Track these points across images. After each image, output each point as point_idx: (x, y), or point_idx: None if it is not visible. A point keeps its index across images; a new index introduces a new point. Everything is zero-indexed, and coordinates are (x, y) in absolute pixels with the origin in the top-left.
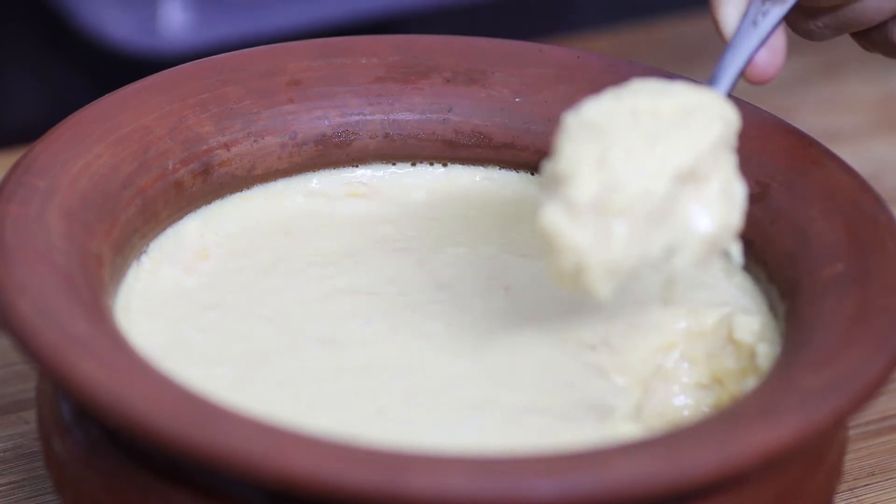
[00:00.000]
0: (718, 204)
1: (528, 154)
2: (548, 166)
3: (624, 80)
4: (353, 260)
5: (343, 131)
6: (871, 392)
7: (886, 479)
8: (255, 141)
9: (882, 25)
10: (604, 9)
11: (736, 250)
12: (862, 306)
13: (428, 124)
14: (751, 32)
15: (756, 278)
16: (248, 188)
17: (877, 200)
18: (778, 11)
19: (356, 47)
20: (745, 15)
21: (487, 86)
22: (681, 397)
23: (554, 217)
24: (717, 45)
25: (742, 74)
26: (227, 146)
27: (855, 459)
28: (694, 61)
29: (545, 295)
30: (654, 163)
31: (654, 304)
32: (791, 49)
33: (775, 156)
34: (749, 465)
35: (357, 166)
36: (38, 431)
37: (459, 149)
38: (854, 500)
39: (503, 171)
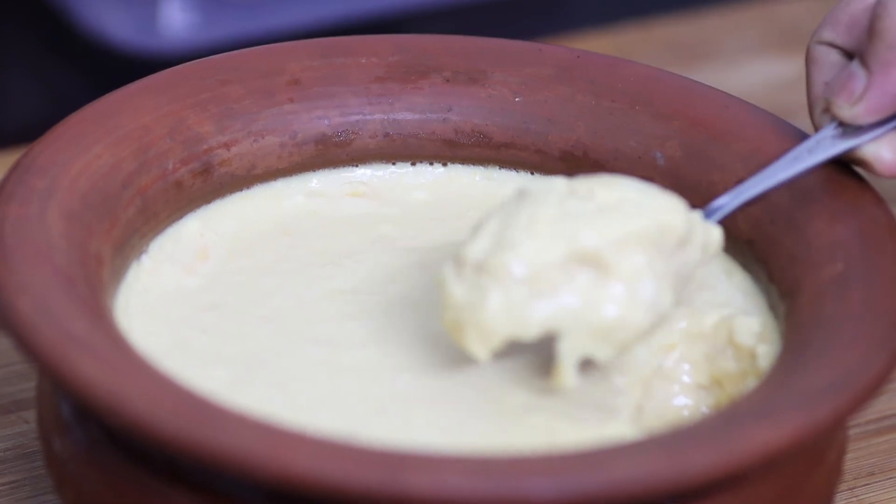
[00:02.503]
0: (619, 298)
1: (528, 154)
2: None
3: (624, 80)
4: (353, 260)
5: (343, 131)
6: (871, 392)
7: (886, 479)
8: (255, 140)
9: None
10: (604, 8)
11: (642, 350)
12: (862, 306)
13: (428, 124)
14: (788, 165)
15: (756, 278)
16: (248, 188)
17: (877, 200)
18: (829, 151)
19: (356, 47)
20: (801, 144)
21: (487, 85)
22: (681, 398)
23: (445, 270)
24: (719, 44)
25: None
26: (227, 146)
27: (855, 459)
28: (694, 61)
29: None
30: (547, 236)
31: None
32: (792, 49)
33: (776, 156)
34: (749, 465)
35: (357, 166)
36: (38, 431)
37: (459, 148)
38: (854, 499)
39: (503, 170)
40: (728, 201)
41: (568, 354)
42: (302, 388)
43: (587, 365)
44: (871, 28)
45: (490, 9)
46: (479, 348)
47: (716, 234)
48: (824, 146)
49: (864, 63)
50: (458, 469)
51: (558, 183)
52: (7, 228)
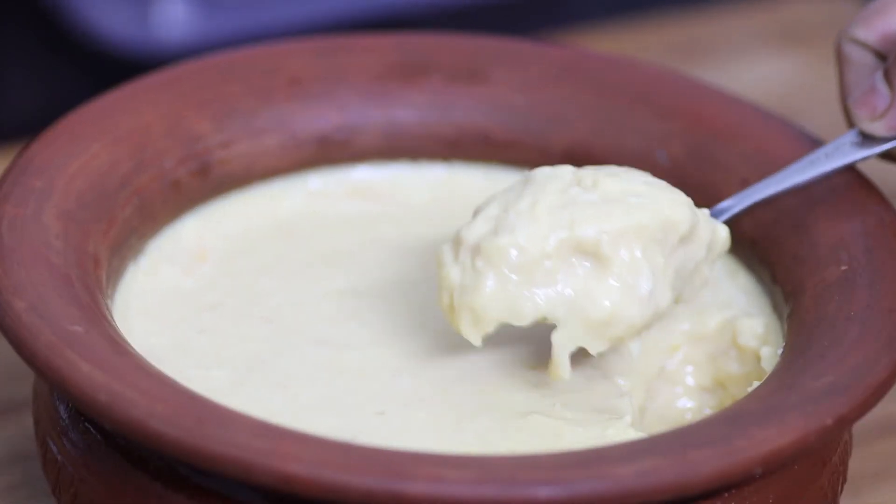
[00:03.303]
0: (615, 292)
1: (529, 152)
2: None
3: (626, 79)
4: (352, 260)
5: (343, 130)
6: (875, 393)
7: (891, 481)
8: (254, 140)
9: None
10: (606, 6)
11: (636, 346)
12: (866, 307)
13: (428, 123)
14: (802, 170)
15: (759, 279)
16: (247, 188)
17: (881, 200)
18: (848, 158)
19: (356, 45)
20: (818, 148)
21: (488, 84)
22: (683, 400)
23: (443, 250)
24: (721, 43)
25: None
26: (225, 145)
27: (859, 461)
28: (696, 60)
29: None
30: (546, 223)
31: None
32: (795, 47)
33: (779, 154)
34: (752, 467)
35: (357, 165)
36: (35, 433)
37: (460, 147)
38: (858, 502)
39: (504, 169)
40: (739, 201)
41: (562, 346)
42: (302, 388)
43: (590, 367)
44: None
45: (491, 9)
46: (473, 332)
47: (722, 233)
48: (843, 152)
49: (889, 81)
50: (458, 470)
51: (564, 171)
52: (3, 229)
